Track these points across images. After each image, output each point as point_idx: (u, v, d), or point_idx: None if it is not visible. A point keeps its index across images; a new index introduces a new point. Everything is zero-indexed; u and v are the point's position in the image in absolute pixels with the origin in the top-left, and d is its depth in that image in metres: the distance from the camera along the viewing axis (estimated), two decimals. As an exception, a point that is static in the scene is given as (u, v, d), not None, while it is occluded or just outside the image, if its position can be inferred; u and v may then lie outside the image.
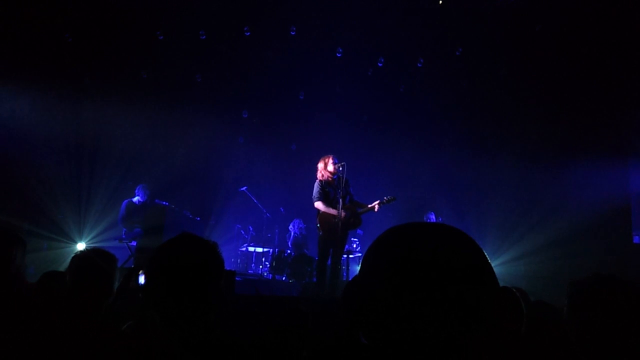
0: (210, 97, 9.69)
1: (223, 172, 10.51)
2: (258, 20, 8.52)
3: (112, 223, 8.38)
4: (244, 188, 9.09)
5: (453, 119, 9.89)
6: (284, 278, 8.29)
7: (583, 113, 7.90)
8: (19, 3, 7.23)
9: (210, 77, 9.48)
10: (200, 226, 8.88)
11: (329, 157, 6.33)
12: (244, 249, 9.58)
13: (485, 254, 0.78)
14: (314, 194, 6.24)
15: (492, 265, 0.78)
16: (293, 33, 8.66)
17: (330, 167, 6.26)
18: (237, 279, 6.56)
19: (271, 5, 8.26)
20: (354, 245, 9.24)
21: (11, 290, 1.95)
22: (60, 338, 1.71)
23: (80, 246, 8.37)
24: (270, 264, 8.68)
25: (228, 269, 5.47)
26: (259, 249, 9.52)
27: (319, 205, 6.20)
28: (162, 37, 8.40)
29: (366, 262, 0.82)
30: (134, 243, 7.47)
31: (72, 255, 2.35)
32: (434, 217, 8.82)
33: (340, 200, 6.04)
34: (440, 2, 7.95)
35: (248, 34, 8.58)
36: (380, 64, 9.27)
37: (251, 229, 9.65)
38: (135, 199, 7.82)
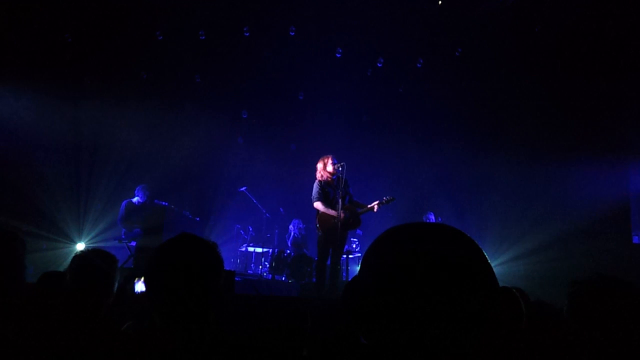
0: (209, 97, 9.69)
1: (223, 172, 10.51)
2: (258, 20, 8.52)
3: (112, 223, 8.38)
4: (243, 188, 9.08)
5: (452, 120, 9.89)
6: (283, 278, 8.30)
7: (583, 113, 7.90)
8: (19, 3, 7.23)
9: (209, 77, 9.48)
10: (200, 226, 8.89)
11: (328, 158, 6.33)
12: (243, 249, 9.58)
13: (485, 254, 0.78)
14: (313, 194, 6.24)
15: (492, 265, 0.78)
16: (293, 33, 8.66)
17: (330, 168, 6.26)
18: (236, 279, 6.57)
19: (271, 5, 8.26)
20: (354, 246, 9.24)
21: (11, 290, 1.95)
22: (60, 338, 1.70)
23: (80, 246, 8.37)
24: (270, 264, 8.68)
25: (227, 269, 5.47)
26: (259, 249, 9.52)
27: (318, 205, 6.20)
28: (161, 37, 8.40)
29: (366, 262, 0.82)
30: (133, 243, 7.46)
31: (73, 255, 2.35)
32: (433, 217, 8.82)
33: (340, 200, 6.04)
34: (440, 2, 7.95)
35: (247, 34, 8.58)
36: (379, 64, 9.27)
37: (251, 229, 9.66)
38: (135, 199, 7.82)
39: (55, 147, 8.55)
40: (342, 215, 6.00)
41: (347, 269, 7.85)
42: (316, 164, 6.41)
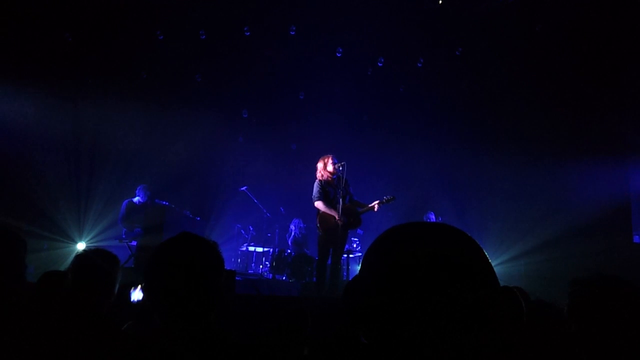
0: (210, 96, 9.70)
1: (223, 171, 10.52)
2: (258, 20, 8.52)
3: (112, 223, 8.39)
4: (244, 188, 9.09)
5: (453, 119, 9.90)
6: (284, 278, 8.30)
7: (583, 113, 7.90)
8: (19, 3, 7.23)
9: (210, 77, 9.48)
10: (201, 226, 8.88)
11: (328, 157, 6.33)
12: (244, 248, 9.58)
13: (486, 253, 0.78)
14: (314, 194, 6.24)
15: (493, 264, 0.78)
16: (293, 33, 8.66)
17: (330, 167, 6.26)
18: (237, 278, 6.57)
19: (271, 5, 8.26)
20: (354, 245, 9.24)
21: (12, 290, 1.95)
22: (60, 338, 1.71)
23: (80, 246, 8.38)
24: (271, 263, 8.69)
25: (228, 268, 5.47)
26: (259, 249, 9.53)
27: (319, 204, 6.20)
28: (162, 37, 8.40)
29: (366, 261, 0.82)
30: (134, 243, 7.47)
31: (74, 255, 2.35)
32: (433, 216, 8.82)
33: (341, 200, 6.04)
34: (440, 1, 7.94)
35: (248, 33, 8.58)
36: (380, 64, 9.27)
37: (251, 228, 9.66)
38: (136, 199, 7.82)
39: (55, 147, 8.55)
40: (341, 222, 6.01)
41: (347, 269, 7.84)
42: (316, 163, 6.41)
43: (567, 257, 7.34)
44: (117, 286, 2.32)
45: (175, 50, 8.69)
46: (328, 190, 6.25)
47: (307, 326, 2.47)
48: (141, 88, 9.05)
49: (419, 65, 9.20)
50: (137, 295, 2.71)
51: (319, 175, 6.33)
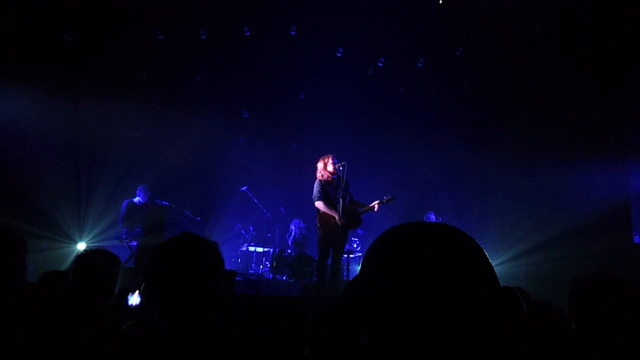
0: (210, 97, 9.70)
1: (223, 171, 10.52)
2: (258, 20, 8.52)
3: (112, 222, 8.39)
4: (244, 188, 9.09)
5: (453, 119, 9.89)
6: (284, 278, 8.30)
7: (583, 113, 7.90)
8: (19, 3, 7.23)
9: (210, 77, 9.48)
10: (201, 226, 8.89)
11: (328, 157, 6.33)
12: (244, 248, 9.58)
13: (486, 253, 0.78)
14: (314, 194, 6.24)
15: (493, 264, 0.78)
16: (293, 33, 8.66)
17: (330, 167, 6.26)
18: (237, 278, 6.56)
19: (271, 5, 8.26)
20: (355, 245, 9.24)
21: (12, 289, 1.95)
22: (61, 338, 1.70)
23: (81, 246, 8.38)
24: (271, 263, 8.69)
25: (228, 268, 5.47)
26: (260, 249, 9.53)
27: (319, 204, 6.20)
28: (162, 37, 8.40)
29: (366, 262, 0.82)
30: (134, 243, 7.47)
31: (76, 254, 2.35)
32: (433, 216, 8.82)
33: (341, 200, 6.04)
34: (441, 1, 7.94)
35: (248, 33, 8.58)
36: (380, 64, 9.27)
37: (251, 228, 9.66)
38: (136, 199, 7.82)
39: (55, 147, 8.55)
40: (341, 222, 6.01)
41: (347, 269, 7.84)
42: (316, 163, 6.42)
43: (567, 257, 7.33)
44: (117, 286, 2.32)
45: (175, 50, 8.69)
46: (328, 190, 6.25)
47: (307, 326, 2.47)
48: (141, 88, 9.05)
49: (419, 65, 9.20)
50: (134, 300, 2.70)
51: (319, 175, 6.33)
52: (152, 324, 1.36)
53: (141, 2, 7.94)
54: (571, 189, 7.93)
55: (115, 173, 9.06)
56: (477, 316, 0.72)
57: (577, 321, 1.64)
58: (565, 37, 7.77)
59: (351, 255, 8.33)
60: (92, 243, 8.51)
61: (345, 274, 7.67)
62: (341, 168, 6.18)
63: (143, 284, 1.38)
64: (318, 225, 6.21)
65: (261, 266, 9.38)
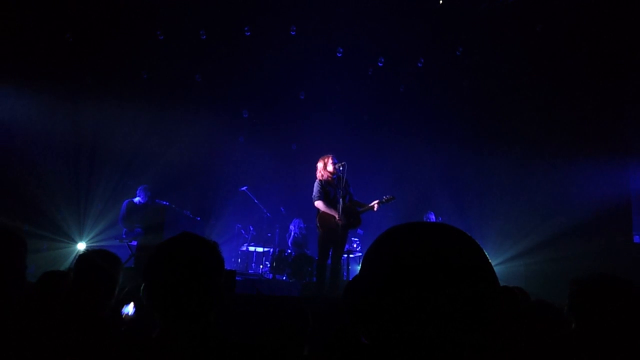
0: (210, 97, 9.70)
1: (223, 171, 10.52)
2: (258, 20, 8.52)
3: (113, 222, 8.39)
4: (244, 188, 9.09)
5: (453, 119, 9.89)
6: (284, 278, 8.30)
7: (583, 113, 7.90)
8: (19, 3, 7.23)
9: (210, 77, 9.48)
10: (201, 226, 8.89)
11: (328, 157, 6.33)
12: (244, 248, 9.58)
13: (486, 253, 0.78)
14: (314, 193, 6.24)
15: (492, 264, 0.78)
16: (293, 33, 8.66)
17: (330, 167, 6.26)
18: (237, 278, 6.56)
19: (271, 5, 8.26)
20: (355, 245, 9.24)
21: (12, 289, 1.95)
22: (61, 338, 1.71)
23: (81, 246, 8.39)
24: (271, 263, 8.69)
25: (228, 268, 5.47)
26: (260, 249, 9.53)
27: (319, 204, 6.20)
28: (162, 37, 8.40)
29: (366, 261, 0.82)
30: (134, 243, 7.47)
31: (77, 255, 2.36)
32: (433, 216, 8.82)
33: (341, 200, 6.04)
34: (441, 1, 7.94)
35: (248, 34, 8.58)
36: (380, 64, 9.27)
37: (251, 228, 9.66)
38: (136, 199, 7.83)
39: (55, 147, 8.55)
40: (341, 221, 6.01)
41: (347, 269, 7.85)
42: (316, 163, 6.42)
43: (567, 257, 7.33)
44: (118, 287, 2.32)
45: (175, 50, 8.69)
46: (328, 190, 6.25)
47: (307, 326, 2.47)
48: (141, 88, 9.05)
49: (420, 65, 9.20)
50: (130, 309, 2.69)
51: (319, 175, 6.33)
52: (152, 325, 1.36)
53: (141, 2, 7.95)
54: (571, 189, 7.92)
55: (115, 173, 9.06)
56: (477, 316, 0.72)
57: (577, 321, 1.64)
58: (566, 37, 7.77)
59: (351, 255, 8.33)
60: (92, 243, 8.51)
61: (345, 273, 7.67)
62: (341, 168, 6.18)
63: (142, 285, 1.38)
64: (318, 224, 6.21)
65: (261, 266, 9.38)
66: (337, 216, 6.03)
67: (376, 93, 9.96)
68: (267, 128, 10.45)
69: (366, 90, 9.80)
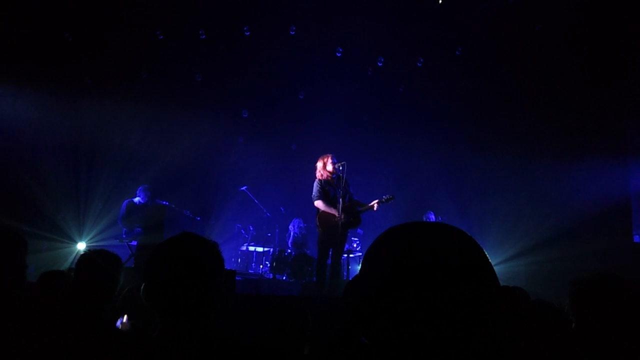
0: (210, 96, 9.69)
1: (223, 171, 10.51)
2: (258, 20, 8.52)
3: (112, 222, 8.39)
4: (244, 187, 9.09)
5: (453, 119, 9.89)
6: (284, 278, 8.30)
7: (583, 113, 7.90)
8: (19, 3, 7.23)
9: (210, 76, 9.48)
10: (201, 225, 8.89)
11: (328, 157, 6.33)
12: (244, 248, 9.58)
13: (486, 253, 0.78)
14: (313, 193, 6.25)
15: (492, 264, 0.78)
16: (293, 32, 8.65)
17: (330, 167, 6.26)
18: (237, 278, 6.57)
19: (271, 5, 8.26)
20: (355, 245, 9.25)
21: (12, 289, 1.95)
22: (61, 338, 1.71)
23: (81, 246, 8.39)
24: (271, 263, 8.69)
25: (228, 268, 5.47)
26: (260, 249, 9.52)
27: (318, 204, 6.20)
28: (161, 37, 8.40)
29: (366, 261, 0.82)
30: (134, 243, 7.47)
31: (79, 255, 2.37)
32: (433, 216, 8.82)
33: (340, 199, 6.04)
34: (440, 1, 7.94)
35: (248, 33, 8.58)
36: (380, 64, 9.27)
37: (251, 228, 9.66)
38: (136, 199, 7.82)
39: (55, 147, 8.55)
40: (342, 218, 6.01)
41: (347, 269, 7.84)
42: (316, 163, 6.42)
43: (567, 256, 7.33)
44: (119, 287, 2.33)
45: (175, 50, 8.69)
46: (328, 190, 6.26)
47: (307, 326, 2.47)
48: (141, 88, 9.04)
49: (419, 65, 9.20)
50: (124, 326, 2.68)
51: (318, 174, 6.33)
52: (153, 324, 1.36)
53: (141, 2, 7.94)
54: (571, 189, 7.92)
55: (115, 173, 9.06)
56: (477, 316, 0.72)
57: (578, 321, 1.64)
58: (566, 36, 7.77)
59: (351, 255, 8.33)
60: (92, 243, 8.51)
61: (345, 273, 7.67)
62: (341, 168, 6.19)
63: (142, 285, 1.37)
64: (317, 224, 6.22)
65: (261, 266, 9.37)
66: (337, 214, 6.03)
67: (376, 93, 9.96)
68: (266, 128, 10.44)
69: (366, 90, 9.80)
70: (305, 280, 7.78)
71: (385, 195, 6.36)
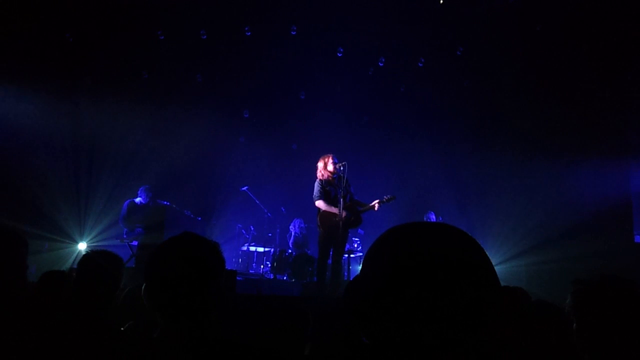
0: (211, 96, 9.70)
1: (224, 171, 10.52)
2: (259, 20, 8.52)
3: (113, 222, 8.40)
4: (245, 188, 9.10)
5: (454, 120, 9.89)
6: (285, 278, 8.30)
7: (584, 113, 7.89)
8: (19, 3, 7.23)
9: (211, 77, 9.48)
10: (202, 226, 8.89)
11: (328, 157, 6.34)
12: (245, 248, 9.58)
13: (486, 253, 0.78)
14: (314, 193, 6.25)
15: (493, 264, 0.78)
16: (294, 33, 8.65)
17: (330, 167, 6.27)
18: (238, 278, 6.57)
19: (272, 5, 8.26)
20: (355, 245, 9.24)
21: (13, 289, 1.96)
22: (61, 338, 1.71)
23: (82, 246, 8.39)
24: (272, 263, 8.69)
25: (229, 268, 5.48)
26: (260, 249, 9.53)
27: (319, 204, 6.20)
28: (162, 37, 8.40)
29: (367, 261, 0.82)
30: (135, 243, 7.48)
31: (81, 255, 2.37)
32: (434, 216, 8.82)
33: (341, 199, 6.04)
34: (441, 1, 7.94)
35: (249, 33, 8.58)
36: (381, 64, 9.27)
37: (252, 228, 9.66)
38: (137, 199, 7.83)
39: (55, 147, 8.56)
40: (343, 214, 6.01)
41: (348, 269, 7.84)
42: (317, 163, 6.42)
43: (568, 257, 7.32)
44: (119, 288, 2.33)
45: (176, 50, 8.69)
46: (329, 190, 6.26)
47: (307, 326, 2.47)
48: (142, 88, 9.05)
49: (420, 65, 9.20)
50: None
51: (319, 174, 6.34)
52: (154, 324, 1.36)
53: (142, 2, 7.95)
54: (572, 189, 7.92)
55: (116, 173, 9.06)
56: (477, 316, 0.72)
57: (578, 321, 1.64)
58: (566, 36, 7.77)
59: (352, 255, 8.33)
60: (93, 243, 8.52)
61: (345, 273, 7.67)
62: (341, 168, 6.19)
63: (143, 285, 1.38)
64: (318, 224, 6.22)
65: (262, 266, 9.37)
66: (337, 212, 6.02)
67: (377, 93, 9.96)
68: (267, 128, 10.45)
69: (367, 90, 9.80)
70: (306, 280, 7.79)
71: (386, 196, 6.36)
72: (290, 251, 8.82)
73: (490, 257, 0.78)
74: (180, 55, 8.84)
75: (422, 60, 9.15)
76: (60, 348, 1.65)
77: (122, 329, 2.29)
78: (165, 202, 7.58)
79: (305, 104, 10.08)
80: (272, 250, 9.05)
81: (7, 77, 7.72)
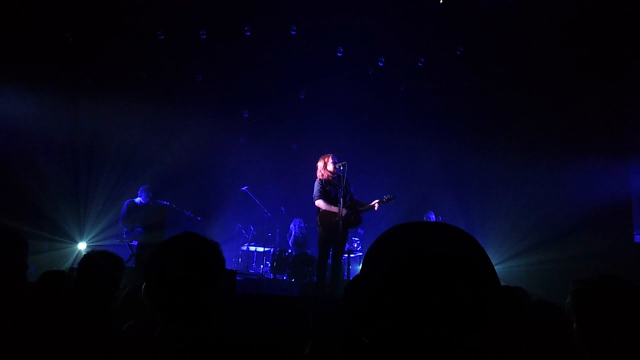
0: (210, 96, 9.70)
1: (224, 171, 10.52)
2: (259, 20, 8.51)
3: (113, 222, 8.40)
4: (245, 187, 9.10)
5: (453, 119, 9.89)
6: (284, 278, 8.30)
7: (584, 112, 7.89)
8: (19, 3, 7.23)
9: (210, 76, 9.48)
10: (201, 225, 8.89)
11: (328, 157, 6.34)
12: (245, 248, 9.58)
13: (486, 253, 0.78)
14: (314, 193, 6.25)
15: (493, 264, 0.78)
16: (294, 32, 8.65)
17: (330, 167, 6.27)
18: (238, 278, 6.57)
19: (272, 5, 8.26)
20: (355, 245, 9.24)
21: (13, 289, 1.95)
22: (61, 338, 1.71)
23: (82, 246, 8.39)
24: (271, 263, 8.69)
25: (229, 268, 5.47)
26: (260, 249, 9.53)
27: (320, 203, 6.21)
28: (162, 37, 8.40)
29: (367, 261, 0.82)
30: (135, 242, 7.48)
31: (81, 256, 2.37)
32: (433, 216, 8.82)
33: (341, 199, 6.04)
34: (441, 1, 7.94)
35: (249, 33, 8.58)
36: (380, 64, 9.27)
37: (252, 228, 9.66)
38: (137, 199, 7.83)
39: (55, 147, 8.55)
40: (343, 212, 6.01)
41: (348, 268, 7.84)
42: (317, 162, 6.42)
43: (568, 257, 7.33)
44: (120, 288, 2.34)
45: (176, 50, 8.69)
46: (328, 190, 6.26)
47: (307, 326, 2.47)
48: (142, 88, 9.05)
49: (420, 64, 9.20)
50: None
51: (319, 174, 6.34)
52: (154, 324, 1.36)
53: (142, 2, 7.94)
54: (572, 189, 7.92)
55: (116, 173, 9.06)
56: (477, 316, 0.72)
57: (579, 321, 1.64)
58: (566, 36, 7.77)
59: (352, 255, 8.33)
60: (93, 243, 8.52)
61: (345, 273, 7.67)
62: (341, 167, 6.19)
63: (144, 285, 1.38)
64: (318, 224, 6.22)
65: (262, 266, 9.38)
66: (338, 210, 6.02)
67: (377, 92, 9.96)
68: (267, 128, 10.45)
69: (367, 89, 9.80)
70: (305, 280, 7.79)
71: (386, 195, 6.36)
72: (290, 251, 8.82)
73: (490, 257, 0.78)
74: (180, 55, 8.84)
75: (422, 60, 9.15)
76: (60, 348, 1.65)
77: (122, 329, 2.29)
78: (165, 202, 7.58)
79: (305, 103, 10.08)
80: (272, 250, 9.05)
81: (7, 77, 7.71)
